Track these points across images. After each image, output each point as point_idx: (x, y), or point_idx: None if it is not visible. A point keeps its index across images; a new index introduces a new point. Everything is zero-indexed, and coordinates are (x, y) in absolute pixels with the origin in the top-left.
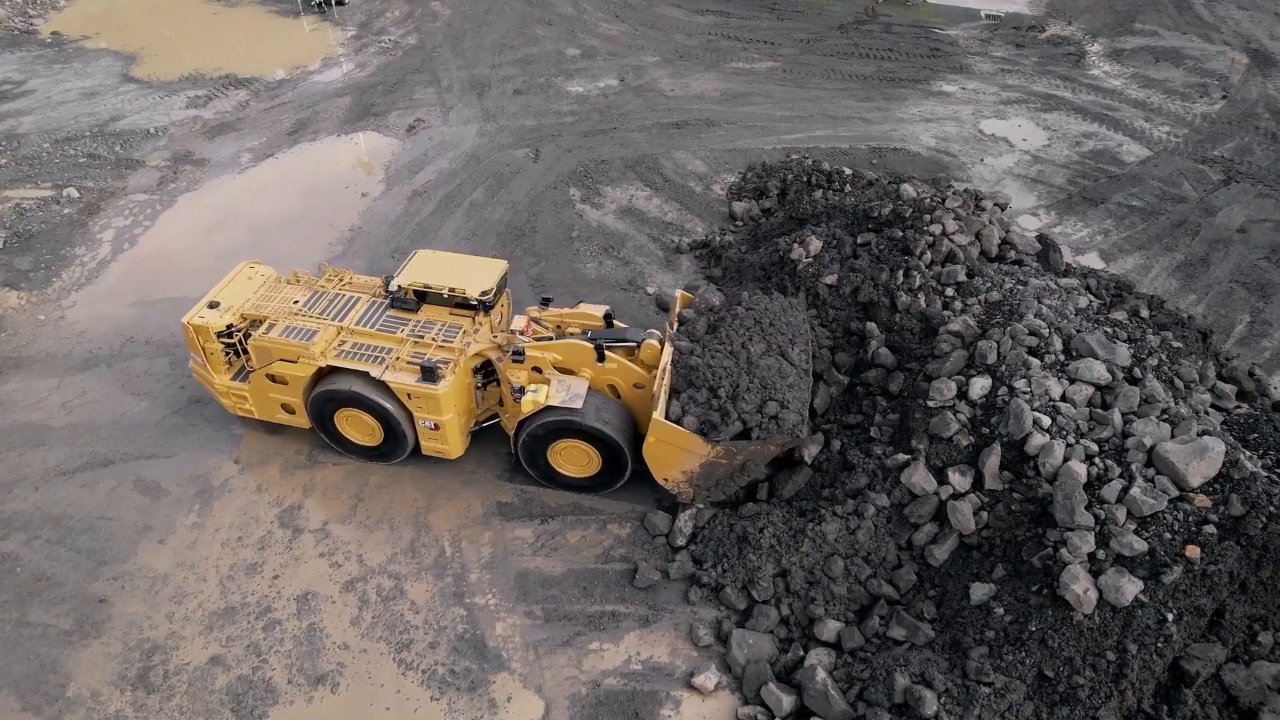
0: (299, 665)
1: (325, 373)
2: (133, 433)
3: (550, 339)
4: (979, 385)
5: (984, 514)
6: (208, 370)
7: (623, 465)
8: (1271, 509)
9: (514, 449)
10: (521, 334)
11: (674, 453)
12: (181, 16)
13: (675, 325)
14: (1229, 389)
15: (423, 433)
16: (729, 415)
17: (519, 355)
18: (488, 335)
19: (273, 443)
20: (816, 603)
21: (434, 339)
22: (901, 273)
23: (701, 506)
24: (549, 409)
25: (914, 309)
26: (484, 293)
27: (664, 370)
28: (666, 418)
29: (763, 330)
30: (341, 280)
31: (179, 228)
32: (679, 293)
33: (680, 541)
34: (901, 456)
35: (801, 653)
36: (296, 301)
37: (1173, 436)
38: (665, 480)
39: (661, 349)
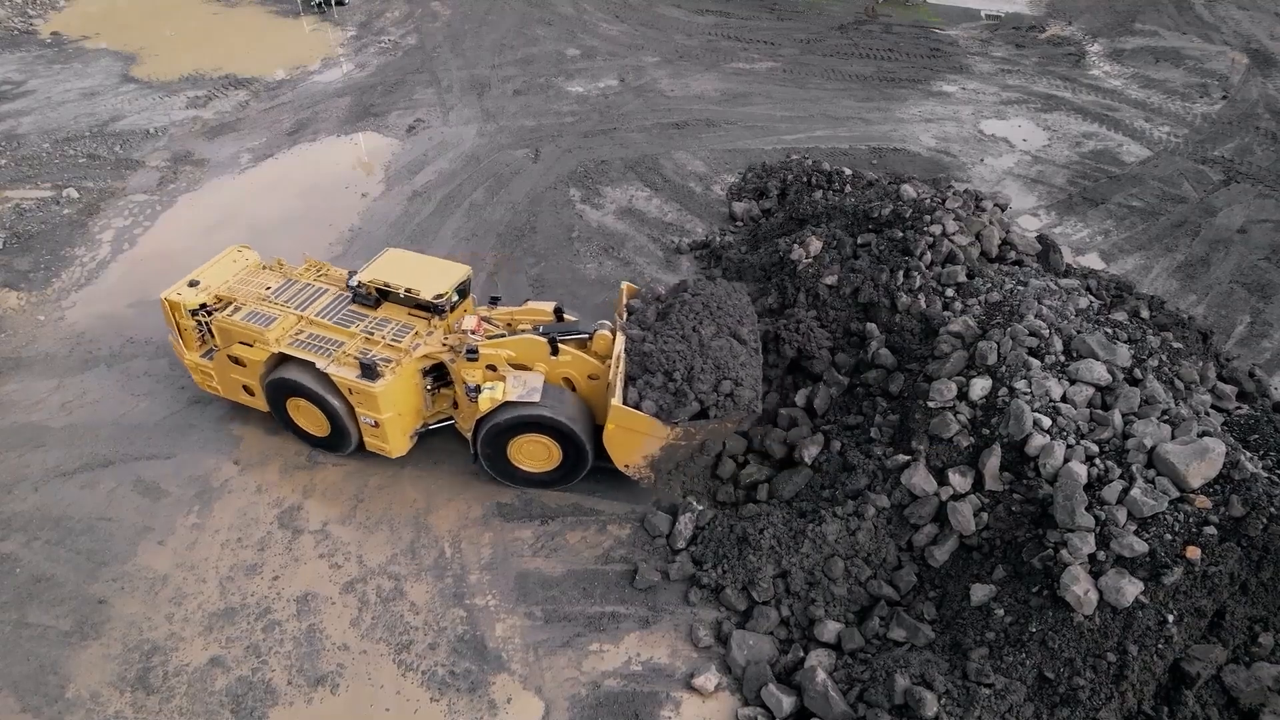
0: (299, 666)
1: (281, 360)
2: (132, 433)
3: (503, 336)
4: (979, 386)
5: (984, 515)
6: (180, 345)
7: (583, 457)
8: (1272, 510)
9: (473, 448)
10: (473, 333)
11: (634, 438)
12: (181, 17)
13: (624, 316)
14: (1229, 390)
15: (365, 428)
16: (686, 396)
17: (473, 354)
18: (439, 338)
19: (272, 444)
20: (817, 604)
21: (384, 337)
22: (902, 273)
23: (702, 508)
24: (507, 404)
25: (914, 310)
26: (438, 296)
27: (617, 359)
28: (624, 404)
29: (711, 313)
30: (319, 272)
31: (179, 228)
32: (624, 285)
33: (680, 543)
34: (902, 457)
35: (802, 654)
36: (269, 288)
37: (1173, 437)
38: (627, 467)
39: (614, 339)
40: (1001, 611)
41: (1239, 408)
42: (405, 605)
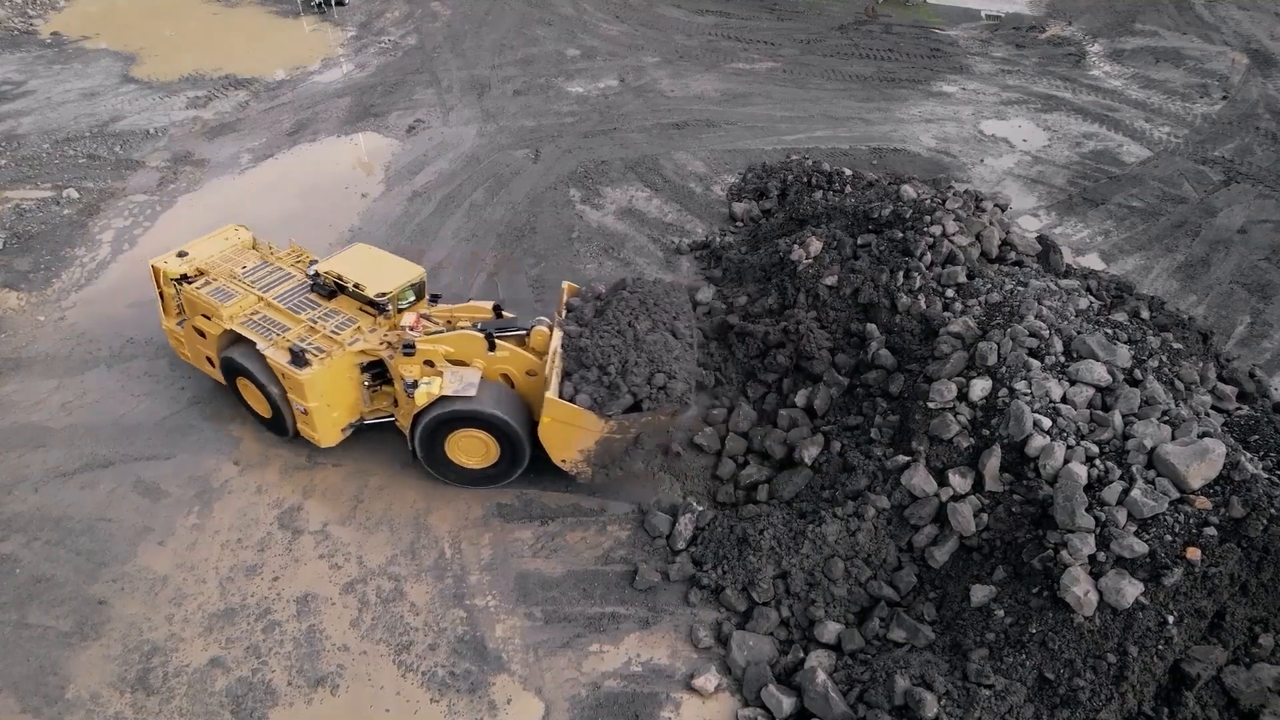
0: (299, 667)
1: (234, 338)
2: (132, 434)
3: (441, 333)
4: (979, 387)
5: (984, 516)
6: (160, 310)
7: (520, 452)
8: (1272, 511)
9: (410, 445)
10: (411, 329)
11: (570, 432)
12: (181, 17)
13: (564, 313)
14: (1230, 390)
15: (296, 414)
16: (619, 389)
17: (409, 349)
18: (380, 335)
19: (273, 444)
20: (817, 604)
21: (327, 328)
22: (902, 274)
23: (702, 508)
24: (443, 399)
25: (914, 310)
26: (381, 294)
27: (554, 354)
28: (560, 398)
29: (648, 309)
30: (298, 258)
31: (179, 228)
32: (565, 284)
33: (680, 543)
34: (902, 458)
35: (802, 655)
36: (244, 267)
37: (1173, 438)
38: (563, 462)
39: (551, 335)
40: (1001, 612)
41: (1239, 408)
42: (405, 606)
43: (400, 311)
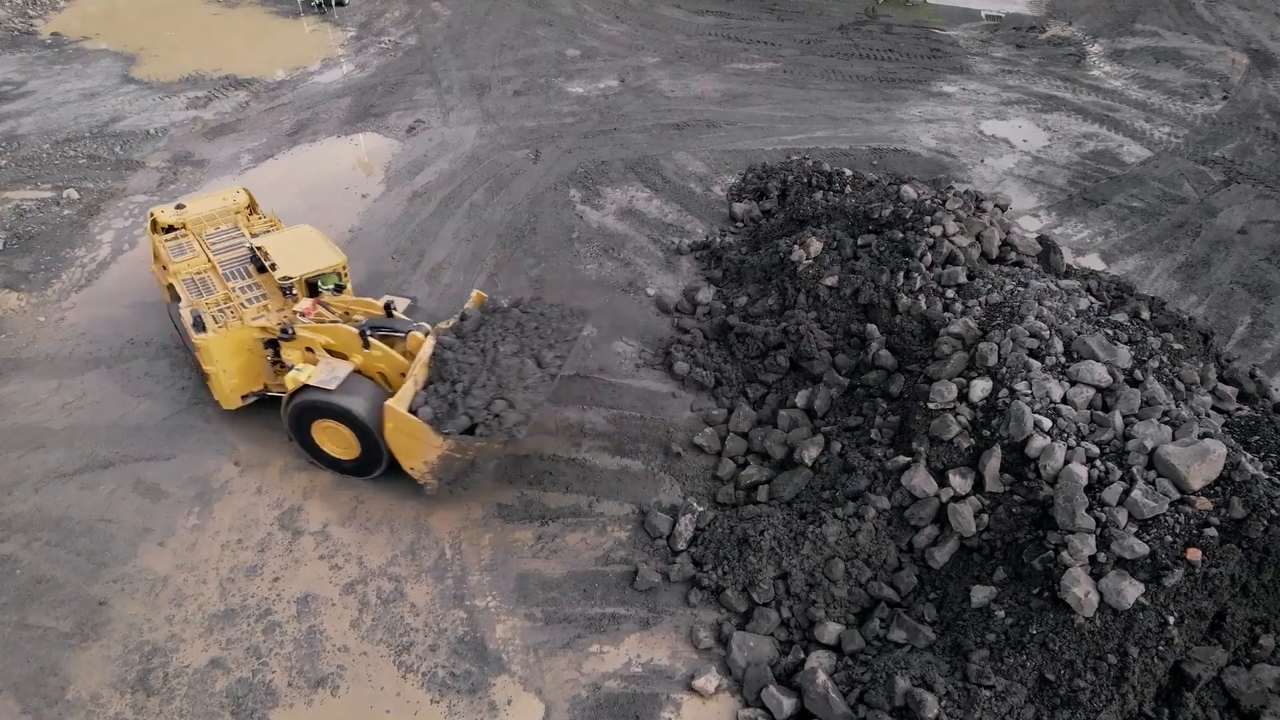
0: (299, 668)
1: (175, 295)
2: (133, 434)
3: (337, 323)
4: (980, 387)
5: (985, 516)
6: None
7: (378, 452)
8: (1273, 512)
9: (285, 425)
10: (303, 315)
11: (410, 442)
12: (181, 17)
13: (455, 321)
14: (1230, 391)
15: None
16: (456, 409)
17: (285, 333)
18: (281, 316)
19: (273, 444)
20: (817, 605)
21: (240, 299)
22: (902, 274)
23: (702, 509)
24: (306, 387)
25: (914, 311)
26: (285, 278)
27: (418, 361)
28: (409, 409)
29: (522, 332)
30: (271, 226)
31: None
32: (475, 292)
33: (681, 544)
34: (902, 459)
35: (802, 655)
36: (218, 228)
37: (1174, 439)
38: (411, 470)
39: (424, 342)
40: (1002, 613)
41: (1240, 409)
42: (405, 607)
43: (313, 296)
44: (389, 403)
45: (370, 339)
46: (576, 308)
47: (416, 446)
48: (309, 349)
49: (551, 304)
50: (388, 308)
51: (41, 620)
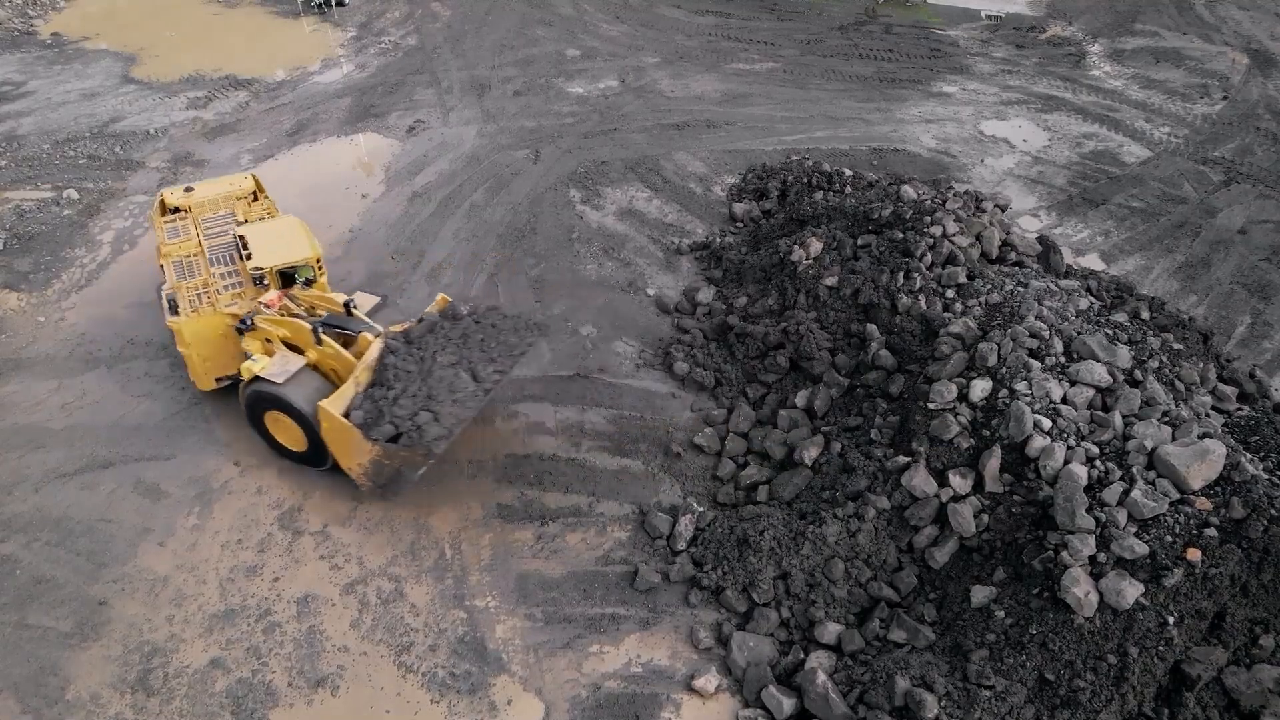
0: (299, 668)
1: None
2: (133, 435)
3: (301, 318)
4: (979, 387)
5: (984, 516)
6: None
7: (323, 446)
8: (1272, 512)
9: (244, 410)
10: (267, 306)
11: (343, 442)
12: (181, 17)
13: (410, 323)
14: (1230, 391)
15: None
16: (382, 417)
17: (244, 325)
18: (250, 306)
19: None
20: (817, 605)
21: (218, 285)
22: (902, 275)
23: (702, 509)
24: (257, 378)
25: (914, 311)
26: (257, 269)
27: (363, 364)
28: (347, 410)
29: (466, 344)
30: (267, 214)
31: None
32: (440, 296)
33: (681, 544)
34: (902, 459)
35: (802, 655)
36: (218, 213)
37: (1174, 439)
38: (348, 469)
39: (372, 344)
40: (1002, 613)
41: (1239, 409)
42: (405, 607)
43: (287, 288)
44: (322, 403)
45: (323, 336)
46: (535, 321)
47: (349, 448)
48: (268, 340)
49: (508, 315)
50: (347, 305)
51: (41, 620)
